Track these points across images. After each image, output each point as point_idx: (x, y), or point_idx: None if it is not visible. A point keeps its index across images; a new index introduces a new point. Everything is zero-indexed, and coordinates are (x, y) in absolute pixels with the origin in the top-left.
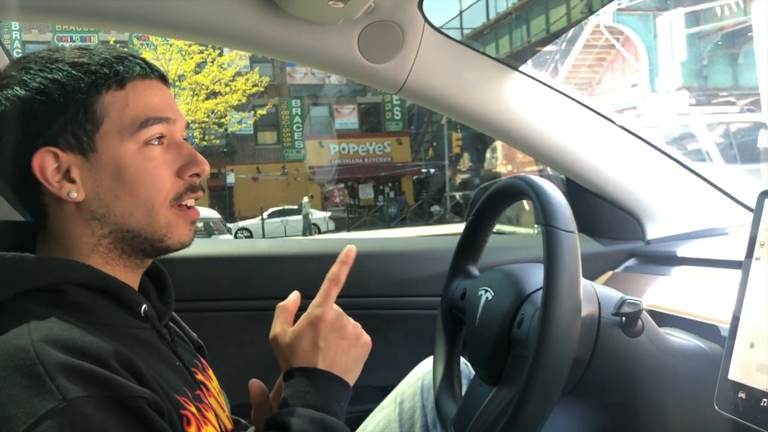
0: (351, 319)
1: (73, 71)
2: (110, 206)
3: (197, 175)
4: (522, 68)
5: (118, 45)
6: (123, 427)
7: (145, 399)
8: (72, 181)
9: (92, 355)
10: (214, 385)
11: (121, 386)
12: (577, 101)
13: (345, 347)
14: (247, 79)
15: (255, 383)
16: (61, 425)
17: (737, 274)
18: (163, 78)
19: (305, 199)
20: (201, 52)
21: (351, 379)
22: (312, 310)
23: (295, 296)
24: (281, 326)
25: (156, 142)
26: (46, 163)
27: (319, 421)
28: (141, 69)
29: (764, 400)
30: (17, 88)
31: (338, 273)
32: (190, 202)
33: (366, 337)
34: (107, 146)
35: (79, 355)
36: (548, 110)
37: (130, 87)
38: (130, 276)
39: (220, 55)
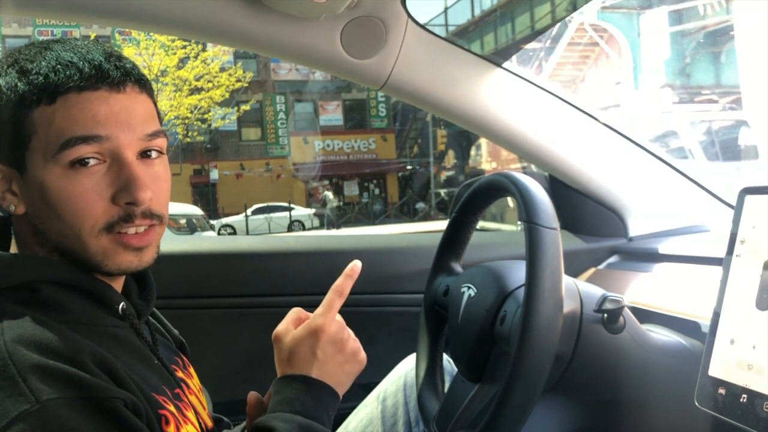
0: (351, 333)
1: (15, 79)
2: (45, 225)
3: (132, 203)
4: (506, 65)
5: (100, 40)
6: (97, 428)
7: (121, 400)
8: (14, 194)
9: (66, 355)
10: (194, 382)
11: (96, 387)
12: (560, 98)
13: (341, 361)
14: (231, 75)
15: (253, 395)
16: (33, 428)
17: (718, 271)
18: (117, 86)
19: (327, 194)
20: (184, 47)
21: (341, 392)
22: (315, 320)
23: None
24: (286, 326)
25: (91, 162)
26: None
27: (307, 427)
28: (79, 79)
29: (744, 395)
30: None
31: (342, 285)
32: (132, 230)
33: (363, 355)
34: (33, 166)
35: (52, 355)
36: (532, 107)
37: (60, 102)
38: (106, 277)
39: (204, 50)
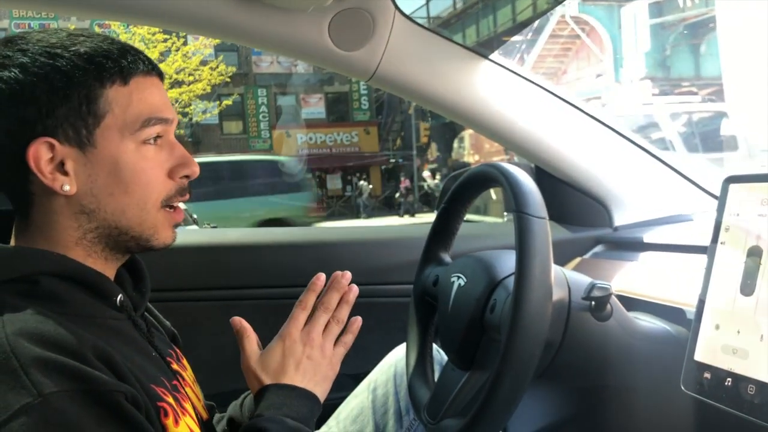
0: (320, 337)
1: (76, 60)
2: (102, 202)
3: (187, 177)
4: (492, 57)
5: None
6: (99, 421)
7: (123, 393)
8: (65, 173)
9: (68, 348)
10: (188, 374)
11: (98, 380)
12: (546, 90)
13: (314, 364)
14: (212, 69)
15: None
16: (35, 421)
17: (702, 258)
18: (161, 75)
19: (362, 183)
20: (165, 41)
21: (320, 394)
22: (282, 329)
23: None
24: (250, 348)
25: (152, 142)
26: (41, 153)
27: (296, 429)
28: (143, 65)
29: (728, 379)
30: (16, 71)
31: (306, 299)
32: (175, 205)
33: (331, 355)
34: (107, 142)
35: (54, 348)
36: (518, 99)
37: (133, 83)
38: (108, 268)
39: (185, 44)
